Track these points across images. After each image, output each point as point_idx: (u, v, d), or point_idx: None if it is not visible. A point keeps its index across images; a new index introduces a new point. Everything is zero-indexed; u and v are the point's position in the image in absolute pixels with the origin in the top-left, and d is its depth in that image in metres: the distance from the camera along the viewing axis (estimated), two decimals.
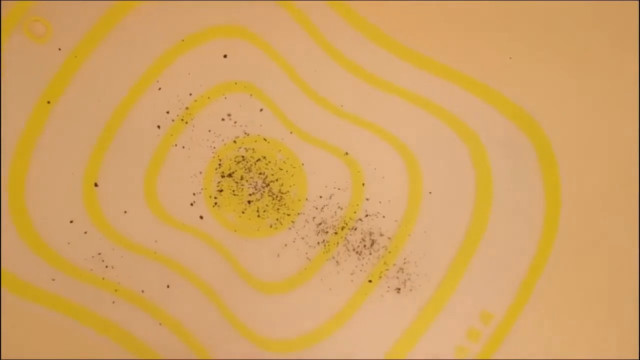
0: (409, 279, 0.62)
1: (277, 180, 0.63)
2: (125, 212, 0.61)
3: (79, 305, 0.60)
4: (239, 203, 0.63)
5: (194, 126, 0.62)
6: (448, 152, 0.63)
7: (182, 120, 0.62)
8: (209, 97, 0.63)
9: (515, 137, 0.63)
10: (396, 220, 0.63)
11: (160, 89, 0.62)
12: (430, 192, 0.63)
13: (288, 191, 0.63)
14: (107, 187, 0.61)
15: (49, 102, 0.60)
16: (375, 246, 0.63)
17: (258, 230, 0.62)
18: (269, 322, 0.62)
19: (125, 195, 0.61)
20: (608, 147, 0.62)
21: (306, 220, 0.63)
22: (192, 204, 0.62)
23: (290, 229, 0.63)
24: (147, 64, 0.62)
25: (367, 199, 0.63)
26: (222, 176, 0.63)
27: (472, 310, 0.62)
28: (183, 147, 0.62)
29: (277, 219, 0.63)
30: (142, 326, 0.60)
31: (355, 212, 0.63)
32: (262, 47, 0.63)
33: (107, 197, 0.61)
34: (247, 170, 0.63)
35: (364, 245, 0.63)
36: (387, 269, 0.62)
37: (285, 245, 0.62)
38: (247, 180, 0.63)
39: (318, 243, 0.63)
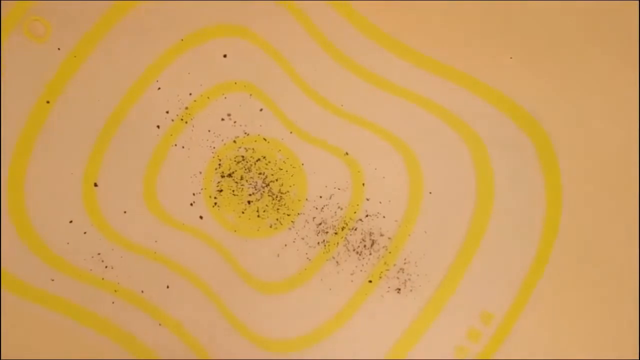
0: (409, 279, 0.62)
1: (277, 180, 0.63)
2: (125, 212, 0.61)
3: (78, 306, 0.60)
4: (238, 203, 0.62)
5: (193, 126, 0.62)
6: (448, 152, 0.63)
7: (182, 120, 0.62)
8: (208, 97, 0.63)
9: (516, 137, 0.63)
10: (396, 221, 0.63)
11: (159, 88, 0.62)
12: (430, 192, 0.63)
13: (288, 191, 0.63)
14: (106, 187, 0.61)
15: (48, 102, 0.60)
16: (376, 246, 0.63)
17: (258, 230, 0.62)
18: (269, 323, 0.61)
19: (125, 195, 0.61)
20: (609, 146, 0.62)
21: (306, 220, 0.63)
22: (191, 204, 0.62)
23: (290, 229, 0.63)
24: (146, 64, 0.62)
25: (367, 199, 0.63)
26: (222, 176, 0.63)
27: (473, 310, 0.62)
28: (183, 147, 0.62)
29: (277, 219, 0.63)
30: (142, 326, 0.60)
31: (355, 212, 0.63)
32: (262, 46, 0.63)
33: (106, 197, 0.61)
34: (247, 170, 0.63)
35: (364, 246, 0.63)
36: (387, 269, 0.62)
37: (285, 245, 0.62)
38: (247, 180, 0.63)
39: (318, 243, 0.62)
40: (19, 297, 0.59)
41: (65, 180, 0.60)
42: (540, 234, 0.62)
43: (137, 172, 0.62)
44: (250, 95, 0.63)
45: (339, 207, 0.63)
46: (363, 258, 0.62)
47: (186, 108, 0.62)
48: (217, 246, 0.62)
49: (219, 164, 0.63)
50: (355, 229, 0.63)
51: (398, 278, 0.62)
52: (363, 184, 0.63)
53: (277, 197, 0.63)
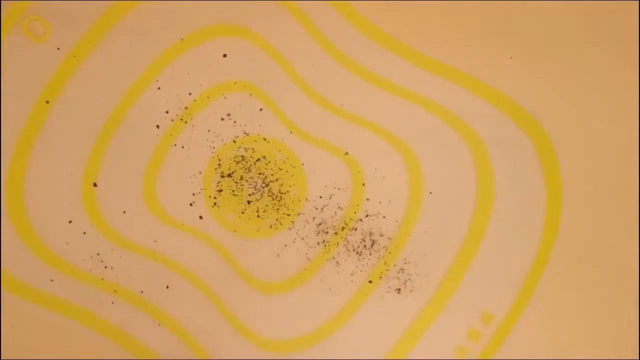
0: (409, 279, 0.62)
1: (276, 180, 0.63)
2: (125, 212, 0.61)
3: (78, 306, 0.60)
4: (238, 203, 0.62)
5: (193, 126, 0.62)
6: (449, 152, 0.63)
7: (182, 120, 0.62)
8: (208, 97, 0.63)
9: (516, 136, 0.63)
10: (396, 221, 0.63)
11: (159, 88, 0.62)
12: (430, 192, 0.63)
13: (288, 191, 0.63)
14: (106, 187, 0.61)
15: (47, 102, 0.60)
16: (376, 246, 0.63)
17: (258, 230, 0.62)
18: (268, 323, 0.61)
19: (125, 195, 0.61)
20: (609, 146, 0.62)
21: (306, 220, 0.63)
22: (191, 204, 0.62)
23: (290, 229, 0.62)
24: (146, 64, 0.62)
25: (368, 199, 0.63)
26: (222, 176, 0.62)
27: (473, 310, 0.62)
28: (182, 147, 0.62)
29: (277, 219, 0.63)
30: (142, 327, 0.60)
31: (355, 212, 0.63)
32: (262, 46, 0.63)
33: (106, 197, 0.61)
34: (247, 170, 0.63)
35: (364, 246, 0.62)
36: (387, 270, 0.62)
37: (285, 245, 0.62)
38: (246, 180, 0.63)
39: (318, 243, 0.62)
40: (18, 298, 0.59)
41: (64, 180, 0.60)
42: (540, 234, 0.62)
43: (137, 172, 0.61)
44: (250, 95, 0.63)
45: (339, 207, 0.63)
46: (363, 258, 0.62)
47: (186, 108, 0.62)
48: (217, 246, 0.62)
49: (219, 164, 0.62)
50: (355, 229, 0.63)
51: (398, 278, 0.62)
52: (363, 184, 0.63)
53: (277, 197, 0.63)
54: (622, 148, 0.62)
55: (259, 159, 0.63)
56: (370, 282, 0.62)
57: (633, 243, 0.62)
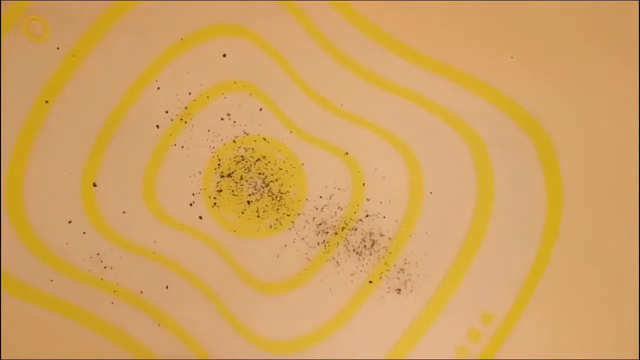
0: (409, 279, 0.62)
1: (276, 180, 0.63)
2: (124, 212, 0.61)
3: (77, 306, 0.59)
4: (238, 203, 0.62)
5: (193, 126, 0.62)
6: (449, 152, 0.63)
7: (181, 119, 0.62)
8: (208, 97, 0.63)
9: (517, 136, 0.63)
10: (397, 221, 0.63)
11: (159, 88, 0.62)
12: (431, 192, 0.63)
13: (288, 191, 0.63)
14: (105, 187, 0.61)
15: (47, 102, 0.60)
16: (376, 247, 0.62)
17: (258, 230, 0.62)
18: (268, 323, 0.61)
19: (124, 195, 0.61)
20: (609, 146, 0.62)
21: (306, 220, 0.63)
22: (191, 204, 0.62)
23: (290, 229, 0.62)
24: (146, 63, 0.62)
25: (368, 199, 0.63)
26: (222, 176, 0.62)
27: (473, 310, 0.62)
28: (182, 147, 0.62)
29: (277, 219, 0.62)
30: (141, 327, 0.60)
31: (355, 213, 0.63)
32: (261, 46, 0.63)
33: (105, 197, 0.61)
34: (247, 170, 0.63)
35: (365, 246, 0.62)
36: (387, 270, 0.62)
37: (285, 245, 0.62)
38: (246, 180, 0.63)
39: (318, 243, 0.62)
40: (17, 298, 0.59)
41: (64, 180, 0.60)
42: (540, 234, 0.62)
43: (137, 172, 0.61)
44: (250, 94, 0.63)
45: (339, 207, 0.63)
46: (363, 258, 0.62)
47: (185, 108, 0.62)
48: (217, 246, 0.62)
49: (219, 164, 0.62)
50: (356, 229, 0.63)
51: (398, 278, 0.62)
52: (363, 184, 0.63)
53: (277, 197, 0.63)
54: (622, 148, 0.62)
55: (258, 159, 0.63)
56: (371, 282, 0.62)
57: (633, 243, 0.62)
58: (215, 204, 0.62)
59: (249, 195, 0.62)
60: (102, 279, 0.60)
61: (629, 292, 0.61)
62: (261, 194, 0.62)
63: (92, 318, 0.60)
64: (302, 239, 0.62)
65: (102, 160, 0.61)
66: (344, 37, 0.63)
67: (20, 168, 0.59)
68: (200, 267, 0.61)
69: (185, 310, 0.61)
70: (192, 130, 0.62)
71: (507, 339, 0.61)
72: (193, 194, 0.62)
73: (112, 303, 0.60)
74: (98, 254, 0.60)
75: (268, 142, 0.63)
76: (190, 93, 0.62)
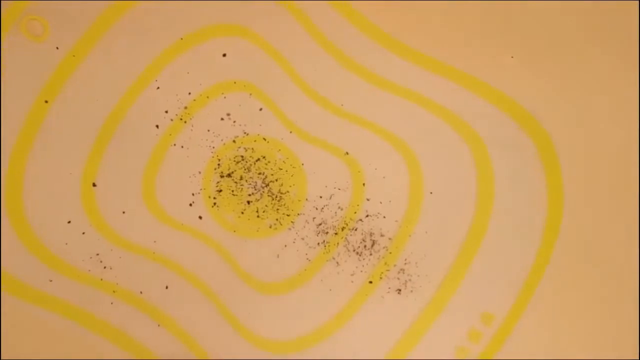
0: (409, 279, 0.62)
1: (276, 180, 0.63)
2: (124, 212, 0.61)
3: (77, 307, 0.59)
4: (238, 203, 0.62)
5: (192, 126, 0.62)
6: (449, 152, 0.63)
7: (181, 119, 0.62)
8: (208, 97, 0.62)
9: (517, 136, 0.63)
10: (397, 221, 0.63)
11: (158, 88, 0.62)
12: (431, 192, 0.63)
13: (288, 191, 0.63)
14: (105, 187, 0.61)
15: (46, 102, 0.60)
16: (376, 247, 0.62)
17: (257, 230, 0.62)
18: (268, 323, 0.61)
19: (124, 196, 0.61)
20: (609, 146, 0.62)
21: (306, 220, 0.62)
22: (191, 204, 0.62)
23: (290, 229, 0.62)
24: (145, 63, 0.62)
25: (368, 199, 0.63)
26: (221, 176, 0.62)
27: (473, 311, 0.62)
28: (182, 147, 0.62)
29: (277, 220, 0.62)
30: (141, 327, 0.60)
31: (355, 213, 0.63)
32: (261, 46, 0.63)
33: (105, 197, 0.61)
34: (247, 170, 0.63)
35: (365, 246, 0.62)
36: (387, 270, 0.62)
37: (285, 245, 0.62)
38: (246, 180, 0.62)
39: (318, 244, 0.62)
40: (17, 298, 0.59)
41: (63, 180, 0.60)
42: (541, 234, 0.62)
43: (136, 172, 0.61)
44: (250, 94, 0.63)
45: (339, 207, 0.63)
46: (363, 259, 0.62)
47: (185, 107, 0.62)
48: (217, 246, 0.62)
49: (219, 164, 0.62)
50: (356, 229, 0.63)
51: (398, 279, 0.62)
52: (363, 184, 0.63)
53: (276, 197, 0.62)
54: (622, 148, 0.62)
55: (258, 159, 0.63)
56: (371, 282, 0.62)
57: (633, 243, 0.62)
58: (215, 204, 0.62)
59: (249, 195, 0.62)
60: (101, 279, 0.60)
61: (629, 292, 0.61)
62: (261, 194, 0.62)
63: (91, 318, 0.59)
64: (302, 239, 0.62)
65: (101, 160, 0.61)
66: (344, 37, 0.63)
67: (20, 168, 0.59)
68: (200, 267, 0.61)
69: (185, 310, 0.61)
70: (192, 130, 0.62)
71: (508, 339, 0.61)
72: (193, 194, 0.62)
73: (112, 303, 0.60)
74: (98, 254, 0.60)
75: (268, 142, 0.63)
76: (190, 93, 0.62)
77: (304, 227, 0.62)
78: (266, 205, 0.62)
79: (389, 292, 0.62)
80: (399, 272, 0.62)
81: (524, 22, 0.63)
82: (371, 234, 0.63)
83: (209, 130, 0.62)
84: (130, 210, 0.61)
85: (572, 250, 0.61)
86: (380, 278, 0.62)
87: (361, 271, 0.62)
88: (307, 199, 0.63)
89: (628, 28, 0.63)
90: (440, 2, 0.63)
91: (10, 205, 0.59)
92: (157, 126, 0.62)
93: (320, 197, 0.63)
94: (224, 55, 0.63)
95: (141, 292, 0.60)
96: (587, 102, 0.62)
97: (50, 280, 0.59)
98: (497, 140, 0.63)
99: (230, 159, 0.63)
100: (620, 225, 0.62)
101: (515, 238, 0.62)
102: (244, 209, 0.62)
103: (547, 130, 0.62)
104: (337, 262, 0.62)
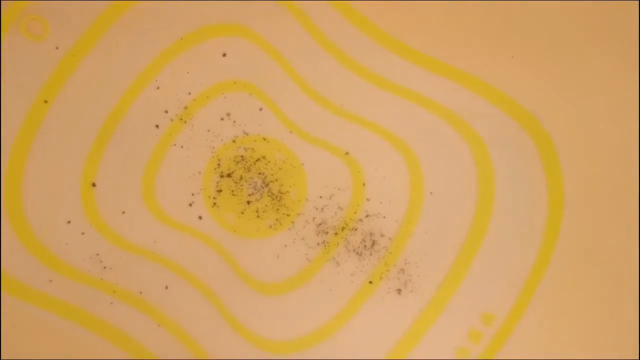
0: (409, 280, 0.62)
1: (276, 180, 0.63)
2: (124, 212, 0.61)
3: (76, 307, 0.59)
4: (238, 203, 0.62)
5: (192, 126, 0.62)
6: (449, 152, 0.63)
7: (181, 119, 0.62)
8: (207, 96, 0.62)
9: (518, 137, 0.62)
10: (397, 221, 0.63)
11: (158, 88, 0.62)
12: (431, 192, 0.63)
13: (288, 191, 0.63)
14: (105, 187, 0.61)
15: (46, 102, 0.60)
16: (376, 247, 0.62)
17: (257, 230, 0.62)
18: (268, 323, 0.61)
19: (124, 196, 0.61)
20: (609, 146, 0.62)
21: (306, 220, 0.62)
22: (190, 204, 0.62)
23: (290, 229, 0.62)
24: (145, 63, 0.62)
25: (368, 199, 0.63)
26: (221, 176, 0.62)
27: (474, 311, 0.62)
28: (182, 147, 0.62)
29: (277, 220, 0.62)
30: (141, 327, 0.60)
31: (355, 213, 0.63)
32: (261, 45, 0.63)
33: (105, 197, 0.61)
34: (247, 170, 0.63)
35: (365, 246, 0.62)
36: (387, 270, 0.62)
37: (285, 246, 0.62)
38: (246, 181, 0.62)
39: (318, 244, 0.62)
40: (17, 298, 0.58)
41: (63, 181, 0.60)
42: (541, 234, 0.62)
43: (136, 172, 0.61)
44: (250, 94, 0.63)
45: (339, 208, 0.63)
46: (363, 259, 0.62)
47: (185, 107, 0.62)
48: (217, 246, 0.62)
49: (218, 164, 0.62)
50: (356, 230, 0.63)
51: (399, 279, 0.62)
52: (363, 184, 0.63)
53: (276, 197, 0.62)
54: (622, 148, 0.62)
55: (258, 159, 0.63)
56: (371, 282, 0.62)
57: (633, 243, 0.62)
58: (215, 204, 0.62)
59: (249, 195, 0.62)
60: (101, 279, 0.60)
61: (629, 292, 0.61)
62: (261, 194, 0.62)
63: (91, 318, 0.59)
64: (302, 239, 0.62)
65: (101, 160, 0.61)
66: (344, 37, 0.63)
67: (20, 168, 0.59)
68: (200, 267, 0.61)
69: (185, 310, 0.61)
70: (191, 130, 0.62)
71: (508, 339, 0.61)
72: (193, 194, 0.62)
73: (112, 303, 0.60)
74: (97, 254, 0.60)
75: (268, 142, 0.63)
76: (190, 93, 0.62)
77: (304, 227, 0.62)
78: (266, 206, 0.62)
79: (389, 292, 0.62)
80: (399, 272, 0.62)
81: (524, 22, 0.63)
82: (371, 234, 0.63)
83: (209, 130, 0.62)
84: (130, 210, 0.61)
85: (572, 250, 0.61)
86: (381, 278, 0.62)
87: (361, 271, 0.62)
88: (307, 199, 0.63)
89: (628, 28, 0.63)
90: (440, 2, 0.63)
91: (10, 205, 0.59)
92: (157, 126, 0.62)
93: (320, 197, 0.63)
94: (224, 55, 0.63)
95: (141, 292, 0.60)
96: (587, 102, 0.62)
97: (50, 281, 0.59)
98: (498, 140, 0.63)
99: (230, 159, 0.62)
100: (621, 225, 0.62)
101: (516, 238, 0.62)
102: (244, 209, 0.62)
103: (547, 130, 0.62)
104: (337, 262, 0.62)
